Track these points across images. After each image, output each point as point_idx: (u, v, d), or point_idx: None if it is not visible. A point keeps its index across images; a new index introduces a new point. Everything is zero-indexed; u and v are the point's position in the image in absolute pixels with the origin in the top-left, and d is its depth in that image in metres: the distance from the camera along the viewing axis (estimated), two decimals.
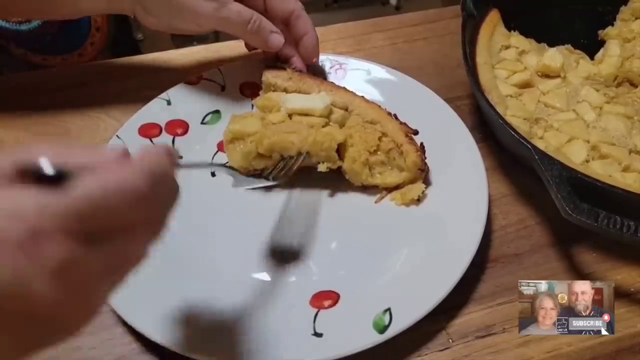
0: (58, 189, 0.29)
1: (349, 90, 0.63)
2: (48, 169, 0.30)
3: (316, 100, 0.60)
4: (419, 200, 0.59)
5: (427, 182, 0.60)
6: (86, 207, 0.29)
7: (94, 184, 0.30)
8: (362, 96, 0.63)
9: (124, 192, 0.31)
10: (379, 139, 0.59)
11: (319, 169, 0.58)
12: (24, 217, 0.28)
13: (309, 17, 0.63)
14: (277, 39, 0.62)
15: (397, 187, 0.60)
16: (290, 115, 0.60)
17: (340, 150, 0.58)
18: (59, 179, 0.30)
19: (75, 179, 0.30)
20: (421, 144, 0.60)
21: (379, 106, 0.62)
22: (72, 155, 0.31)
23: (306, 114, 0.60)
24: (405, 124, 0.61)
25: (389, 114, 0.61)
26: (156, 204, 0.34)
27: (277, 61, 0.66)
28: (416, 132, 0.60)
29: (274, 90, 0.63)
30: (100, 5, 0.61)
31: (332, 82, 0.65)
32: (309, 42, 0.63)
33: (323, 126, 0.59)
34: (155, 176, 0.33)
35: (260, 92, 0.65)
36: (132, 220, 0.32)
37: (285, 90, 0.63)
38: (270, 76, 0.63)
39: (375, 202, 0.60)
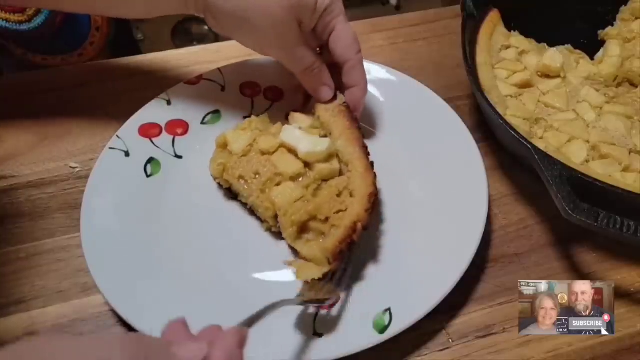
0: None
1: (363, 152, 0.57)
2: None
3: (313, 144, 0.56)
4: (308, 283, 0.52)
5: (335, 280, 0.52)
6: None
7: None
8: (370, 162, 0.57)
9: None
10: (337, 212, 0.53)
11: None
12: None
13: (365, 72, 0.61)
14: (326, 93, 0.61)
15: None
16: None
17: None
18: None
19: None
20: (357, 227, 0.52)
21: (374, 179, 0.55)
22: None
23: (292, 151, 0.57)
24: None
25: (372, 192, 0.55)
26: None
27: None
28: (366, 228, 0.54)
29: (319, 119, 0.61)
30: (174, 7, 0.61)
31: (357, 134, 0.58)
32: (356, 95, 0.61)
33: (298, 176, 0.56)
34: None
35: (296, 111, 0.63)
36: None
37: (323, 125, 0.60)
38: (322, 107, 0.61)
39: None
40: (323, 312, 0.51)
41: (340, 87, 0.62)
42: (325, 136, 0.59)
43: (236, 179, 0.57)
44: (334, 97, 0.62)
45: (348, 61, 0.59)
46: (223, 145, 0.60)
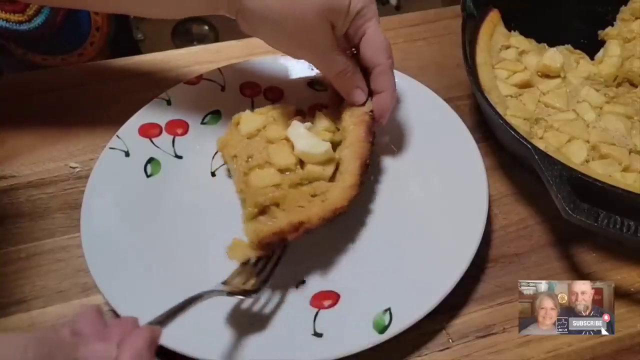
0: None
1: (361, 169, 0.56)
2: None
3: (310, 145, 0.56)
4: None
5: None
6: None
7: None
8: (362, 181, 0.55)
9: None
10: (299, 206, 0.53)
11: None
12: None
13: (394, 78, 0.59)
14: (359, 95, 0.60)
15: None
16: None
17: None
18: None
19: None
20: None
21: (352, 197, 0.54)
22: None
23: (288, 141, 0.57)
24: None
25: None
26: None
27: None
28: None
29: (340, 123, 0.60)
30: (204, 8, 0.60)
31: (365, 149, 0.57)
32: (384, 101, 0.59)
33: (287, 169, 0.56)
34: None
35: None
36: None
37: (342, 130, 0.60)
38: (348, 112, 0.60)
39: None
40: (323, 312, 0.51)
41: (369, 92, 0.61)
42: (337, 142, 0.59)
43: (230, 157, 0.58)
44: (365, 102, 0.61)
45: (377, 66, 0.58)
46: (236, 123, 0.60)
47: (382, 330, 0.49)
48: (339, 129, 0.60)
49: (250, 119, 0.60)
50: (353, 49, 0.61)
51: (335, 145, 0.59)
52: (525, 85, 0.67)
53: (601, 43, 0.74)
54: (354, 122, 0.59)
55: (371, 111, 0.60)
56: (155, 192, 0.59)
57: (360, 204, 0.60)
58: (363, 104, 0.60)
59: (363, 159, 0.56)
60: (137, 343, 0.35)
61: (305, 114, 0.64)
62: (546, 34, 0.73)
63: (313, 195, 0.54)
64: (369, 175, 0.59)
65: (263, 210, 0.53)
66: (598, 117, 0.64)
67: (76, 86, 0.72)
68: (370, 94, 0.60)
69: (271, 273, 0.52)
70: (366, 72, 0.60)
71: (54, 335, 0.34)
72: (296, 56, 0.62)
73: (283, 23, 0.55)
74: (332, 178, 0.56)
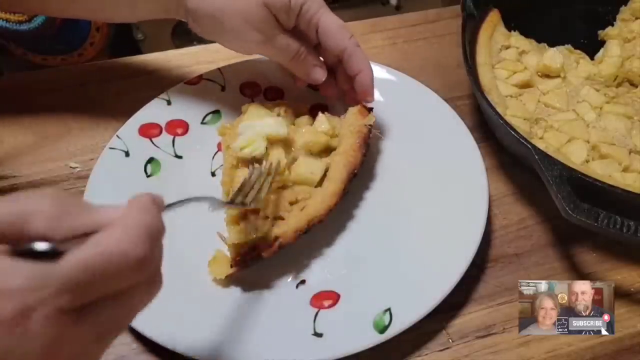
0: (52, 261, 0.29)
1: (347, 178, 0.56)
2: (41, 246, 0.29)
3: (272, 124, 0.58)
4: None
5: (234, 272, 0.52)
6: (82, 278, 0.29)
7: (93, 255, 0.30)
8: (345, 192, 0.56)
9: (126, 260, 0.31)
10: (277, 218, 0.54)
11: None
12: (12, 294, 0.27)
13: (364, 53, 0.60)
14: (319, 73, 0.61)
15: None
16: None
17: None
18: (53, 252, 0.29)
19: (70, 249, 0.29)
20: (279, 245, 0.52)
21: (330, 208, 0.55)
22: (66, 221, 0.31)
23: (287, 145, 0.58)
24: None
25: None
26: (154, 263, 0.34)
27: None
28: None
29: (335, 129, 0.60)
30: (156, 12, 0.61)
31: (356, 159, 0.57)
32: (363, 81, 0.60)
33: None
34: (153, 237, 0.33)
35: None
36: (129, 285, 0.32)
37: (339, 136, 0.60)
38: (348, 121, 0.60)
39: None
40: (323, 312, 0.51)
41: (349, 81, 0.61)
42: (333, 147, 0.59)
43: (226, 145, 0.58)
44: (370, 110, 0.61)
45: (344, 50, 0.59)
46: (244, 112, 0.61)
47: (382, 330, 0.49)
48: (337, 135, 0.60)
49: (255, 111, 0.60)
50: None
51: (330, 150, 0.59)
52: (525, 85, 0.67)
53: (601, 43, 0.74)
54: (351, 130, 0.59)
55: (370, 125, 0.60)
56: (155, 192, 0.59)
57: (360, 204, 0.60)
58: (365, 114, 0.60)
59: (352, 168, 0.57)
60: (141, 199, 0.35)
61: (319, 112, 0.63)
62: (546, 34, 0.73)
63: (293, 203, 0.54)
64: (352, 185, 0.58)
65: (245, 214, 0.53)
66: (598, 117, 0.64)
67: (76, 86, 0.72)
68: (350, 81, 0.61)
69: (269, 188, 0.52)
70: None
71: (66, 194, 0.33)
72: (249, 52, 0.62)
73: (227, 19, 0.57)
74: (319, 182, 0.56)
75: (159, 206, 0.36)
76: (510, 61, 0.69)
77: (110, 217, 0.32)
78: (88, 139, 0.66)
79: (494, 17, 0.71)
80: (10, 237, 0.30)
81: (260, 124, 0.57)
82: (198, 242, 0.56)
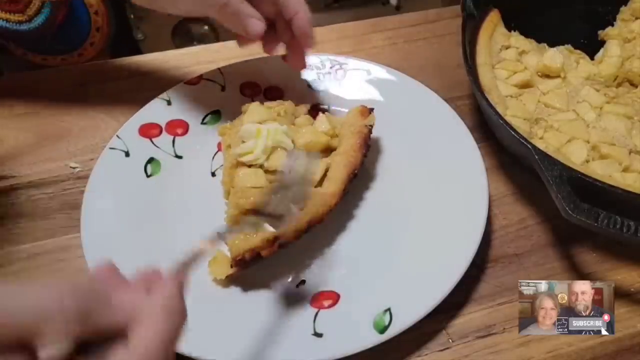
0: None
1: (347, 178, 0.56)
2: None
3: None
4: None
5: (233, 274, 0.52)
6: None
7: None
8: (345, 192, 0.56)
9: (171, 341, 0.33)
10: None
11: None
12: None
13: None
14: (256, 24, 0.57)
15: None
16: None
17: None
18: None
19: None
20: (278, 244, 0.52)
21: (329, 209, 0.55)
22: (89, 324, 0.31)
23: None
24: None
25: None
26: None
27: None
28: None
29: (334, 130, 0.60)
30: None
31: (356, 159, 0.57)
32: (301, 21, 0.57)
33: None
34: (184, 313, 0.34)
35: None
36: None
37: (340, 137, 0.60)
38: (349, 122, 0.60)
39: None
40: (323, 312, 0.51)
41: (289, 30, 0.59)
42: (333, 147, 0.59)
43: (226, 145, 0.58)
44: (371, 110, 0.61)
45: None
46: (244, 113, 0.60)
47: (382, 330, 0.49)
48: (337, 135, 0.60)
49: (255, 111, 0.60)
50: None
51: (330, 150, 0.59)
52: (525, 85, 0.67)
53: (601, 43, 0.74)
54: (352, 130, 0.59)
55: (370, 125, 0.60)
56: (155, 192, 0.59)
57: (360, 204, 0.60)
58: (365, 115, 0.60)
59: (352, 169, 0.57)
60: (167, 286, 0.35)
61: (320, 112, 0.63)
62: (546, 34, 0.73)
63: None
64: (353, 185, 0.58)
65: (245, 213, 0.53)
66: (598, 117, 0.64)
67: (76, 86, 0.72)
68: (290, 30, 0.59)
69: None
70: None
71: (85, 284, 0.33)
72: (182, 8, 0.59)
73: None
74: (319, 182, 0.56)
75: (183, 288, 0.36)
76: (510, 61, 0.69)
77: (134, 312, 0.33)
78: (88, 139, 0.66)
79: (494, 17, 0.71)
80: (24, 342, 0.29)
81: (264, 135, 0.56)
82: (198, 243, 0.56)
